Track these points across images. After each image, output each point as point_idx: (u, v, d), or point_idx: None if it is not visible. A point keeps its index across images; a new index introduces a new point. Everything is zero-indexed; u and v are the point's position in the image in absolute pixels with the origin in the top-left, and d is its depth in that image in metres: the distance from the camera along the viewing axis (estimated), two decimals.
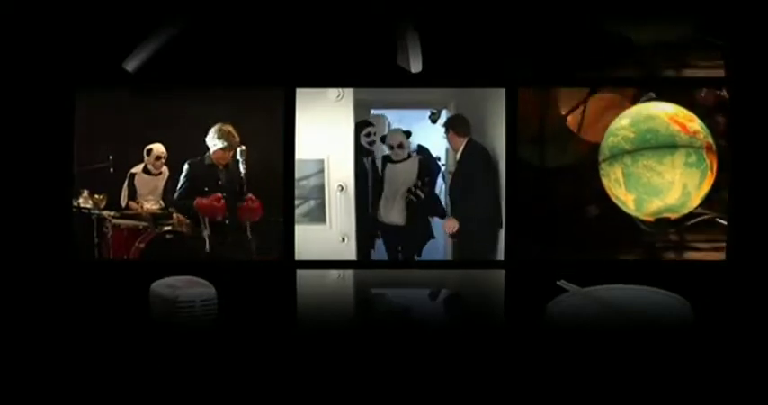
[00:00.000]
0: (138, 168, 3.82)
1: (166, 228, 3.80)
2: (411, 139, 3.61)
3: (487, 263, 3.61)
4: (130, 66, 3.47)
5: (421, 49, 3.45)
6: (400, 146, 3.62)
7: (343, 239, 3.61)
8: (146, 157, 3.79)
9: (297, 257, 3.60)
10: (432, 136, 3.57)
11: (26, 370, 2.85)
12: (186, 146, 3.74)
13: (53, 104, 3.56)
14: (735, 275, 3.46)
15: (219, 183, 3.76)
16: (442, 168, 3.54)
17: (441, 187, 3.51)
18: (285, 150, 3.60)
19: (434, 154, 3.56)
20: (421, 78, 3.49)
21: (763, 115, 3.38)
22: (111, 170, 3.77)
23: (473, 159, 3.40)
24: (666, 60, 3.10)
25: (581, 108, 2.64)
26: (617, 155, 2.55)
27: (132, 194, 3.82)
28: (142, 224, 3.81)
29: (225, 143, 3.70)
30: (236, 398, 2.72)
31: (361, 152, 3.65)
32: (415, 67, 3.46)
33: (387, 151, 3.64)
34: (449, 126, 3.55)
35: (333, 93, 3.62)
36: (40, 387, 2.75)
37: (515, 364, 2.87)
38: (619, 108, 2.57)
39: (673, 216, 2.61)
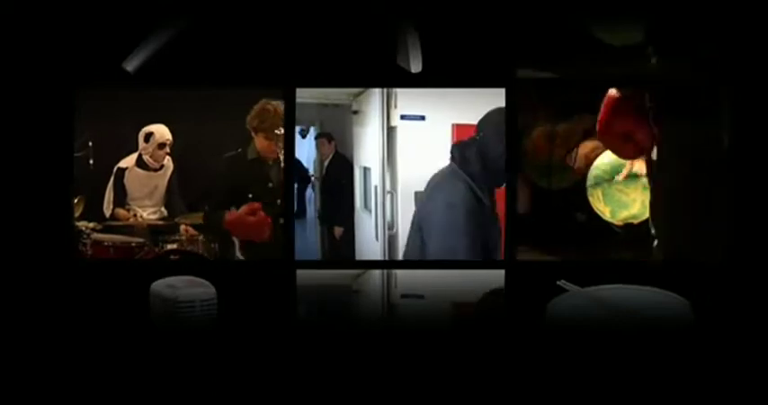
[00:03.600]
0: (129, 161, 3.04)
1: (170, 246, 3.05)
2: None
3: (488, 263, 3.62)
4: (130, 66, 3.47)
5: (421, 49, 3.45)
6: None
7: None
8: (142, 144, 2.99)
9: None
10: (299, 150, 3.64)
11: (26, 370, 2.85)
12: (201, 129, 3.01)
13: (53, 104, 3.56)
14: (734, 276, 3.46)
15: (270, 185, 3.14)
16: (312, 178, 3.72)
17: (310, 195, 3.73)
18: (285, 150, 3.60)
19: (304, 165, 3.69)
20: (421, 78, 3.50)
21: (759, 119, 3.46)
22: (91, 162, 3.03)
23: (340, 165, 3.72)
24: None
25: (575, 150, 3.67)
26: (599, 182, 3.65)
27: (121, 198, 3.01)
28: (135, 240, 3.01)
29: (269, 129, 3.01)
30: (237, 398, 2.72)
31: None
32: (415, 67, 3.46)
33: None
34: (322, 136, 3.75)
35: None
36: (41, 387, 2.75)
37: (515, 364, 2.87)
38: (600, 150, 3.66)
39: (635, 221, 3.64)
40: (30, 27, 3.48)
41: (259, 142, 3.06)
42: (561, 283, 3.09)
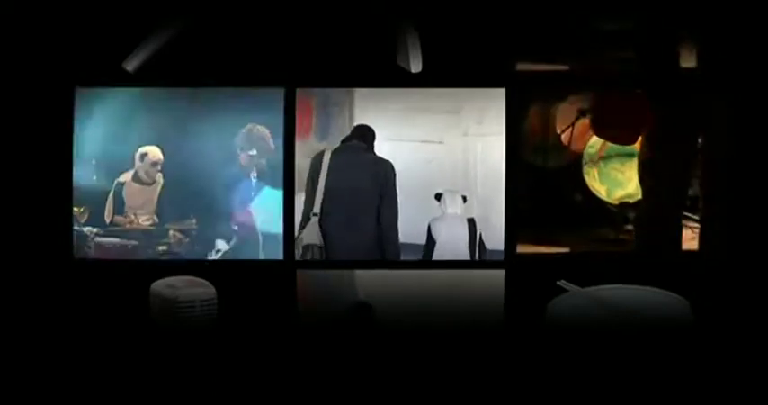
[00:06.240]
0: (126, 176, 3.48)
1: (161, 247, 3.49)
2: None
3: (488, 263, 3.61)
4: (130, 66, 3.46)
5: (421, 49, 3.45)
6: None
7: None
8: (138, 163, 3.46)
9: None
10: None
11: (26, 370, 2.85)
12: (187, 149, 3.49)
13: (53, 104, 3.56)
14: (734, 275, 3.46)
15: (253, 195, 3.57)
16: None
17: None
18: (285, 150, 3.60)
19: None
20: (421, 78, 3.49)
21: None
22: (94, 178, 3.47)
23: None
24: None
25: (570, 128, 3.66)
26: (594, 160, 3.66)
27: (120, 208, 3.46)
28: (131, 242, 3.46)
29: (255, 150, 3.50)
30: (237, 398, 2.72)
31: None
32: (415, 67, 3.46)
33: None
34: None
35: None
36: (41, 387, 2.75)
37: (515, 364, 2.87)
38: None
39: (631, 200, 3.66)
40: (30, 27, 3.48)
41: (243, 160, 3.53)
42: (561, 283, 3.09)
